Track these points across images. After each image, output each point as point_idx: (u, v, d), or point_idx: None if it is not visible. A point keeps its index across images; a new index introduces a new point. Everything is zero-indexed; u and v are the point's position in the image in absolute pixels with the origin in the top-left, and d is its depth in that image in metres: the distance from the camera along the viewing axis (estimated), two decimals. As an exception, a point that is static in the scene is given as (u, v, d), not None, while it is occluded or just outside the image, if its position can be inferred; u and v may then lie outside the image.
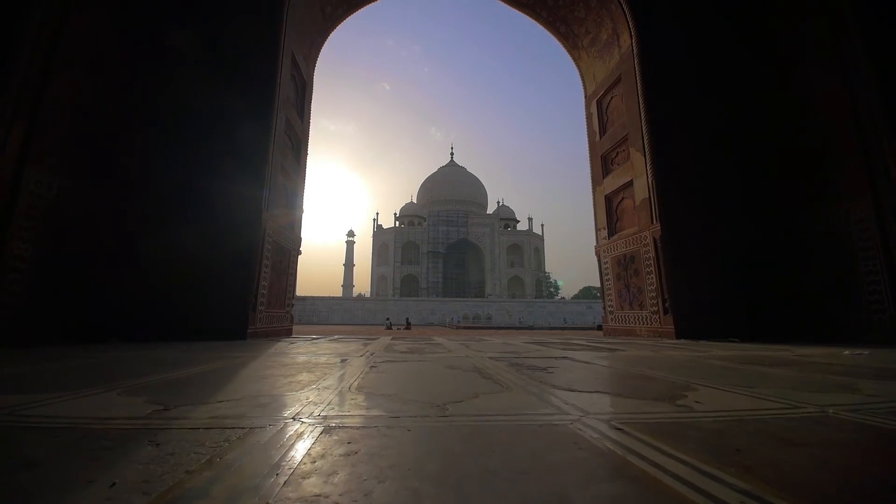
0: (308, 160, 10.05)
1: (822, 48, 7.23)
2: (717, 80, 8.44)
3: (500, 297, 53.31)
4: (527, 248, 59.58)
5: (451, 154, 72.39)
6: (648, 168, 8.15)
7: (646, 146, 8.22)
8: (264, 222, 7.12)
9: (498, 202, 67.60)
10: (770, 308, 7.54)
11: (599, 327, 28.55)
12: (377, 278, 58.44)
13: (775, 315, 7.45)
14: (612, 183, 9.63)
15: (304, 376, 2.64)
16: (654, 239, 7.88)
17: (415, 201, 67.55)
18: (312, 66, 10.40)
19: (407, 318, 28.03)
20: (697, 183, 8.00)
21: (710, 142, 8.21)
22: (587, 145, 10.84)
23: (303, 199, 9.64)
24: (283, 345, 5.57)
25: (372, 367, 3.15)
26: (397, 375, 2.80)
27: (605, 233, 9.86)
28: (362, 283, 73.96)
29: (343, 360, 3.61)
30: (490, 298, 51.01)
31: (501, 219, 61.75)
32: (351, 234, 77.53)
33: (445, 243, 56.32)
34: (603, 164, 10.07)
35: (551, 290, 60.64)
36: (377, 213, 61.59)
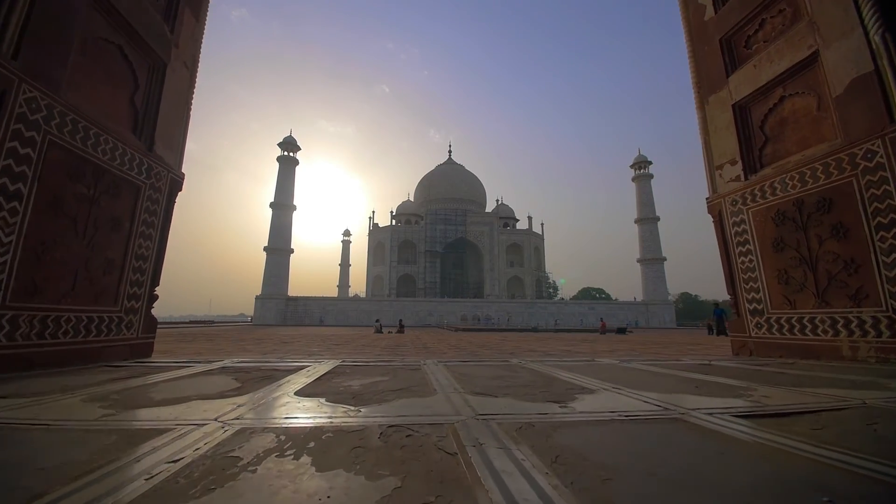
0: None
1: None
2: None
3: (499, 297, 49.23)
4: (526, 247, 55.36)
5: (450, 152, 67.43)
6: (870, 14, 3.87)
7: (863, -30, 3.94)
8: (13, 95, 2.77)
9: (497, 201, 63.34)
10: None
11: (621, 330, 23.26)
12: (373, 278, 54.02)
13: None
14: (753, 77, 5.31)
15: None
16: (907, 152, 3.58)
17: (412, 199, 62.98)
18: None
19: (400, 321, 23.59)
20: None
21: None
22: (683, 40, 6.55)
23: (189, 102, 5.26)
24: None
25: None
26: None
27: (734, 170, 5.52)
28: (358, 283, 69.07)
29: None
30: (489, 299, 47.03)
31: (500, 217, 57.52)
32: (347, 233, 72.79)
33: (443, 242, 52.05)
34: (725, 51, 5.76)
35: (550, 290, 56.45)
36: (373, 212, 57.03)
